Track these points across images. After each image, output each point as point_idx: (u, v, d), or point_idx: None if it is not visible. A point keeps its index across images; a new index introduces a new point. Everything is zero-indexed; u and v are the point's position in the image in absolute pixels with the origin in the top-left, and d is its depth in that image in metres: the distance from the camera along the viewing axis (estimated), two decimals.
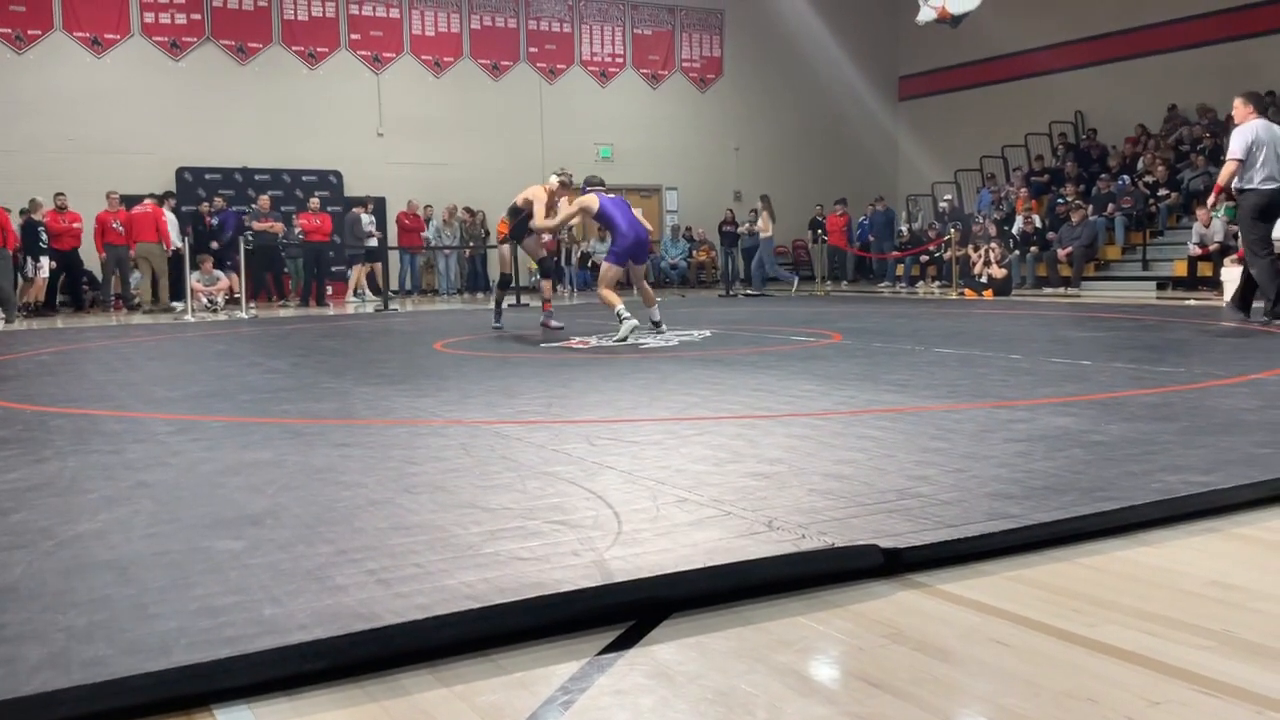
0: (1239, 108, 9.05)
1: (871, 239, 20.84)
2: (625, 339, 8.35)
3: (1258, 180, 8.74)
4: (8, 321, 13.33)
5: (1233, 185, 8.92)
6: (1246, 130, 8.77)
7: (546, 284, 10.51)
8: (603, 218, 9.00)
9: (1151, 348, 7.34)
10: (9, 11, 16.90)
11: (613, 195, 9.18)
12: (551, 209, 9.56)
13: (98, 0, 17.49)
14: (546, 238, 10.20)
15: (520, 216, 9.73)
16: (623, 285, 9.35)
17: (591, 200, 8.99)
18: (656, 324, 9.17)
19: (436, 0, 20.12)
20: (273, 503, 3.17)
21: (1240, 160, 8.70)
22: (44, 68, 17.09)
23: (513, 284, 10.67)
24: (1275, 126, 8.91)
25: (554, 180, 9.69)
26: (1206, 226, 14.78)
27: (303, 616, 2.15)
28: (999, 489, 3.10)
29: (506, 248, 10.22)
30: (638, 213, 9.27)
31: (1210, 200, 9.56)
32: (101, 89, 17.32)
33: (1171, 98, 19.05)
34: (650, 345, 8.22)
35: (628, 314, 8.57)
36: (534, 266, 10.29)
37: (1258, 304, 8.92)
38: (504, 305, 10.69)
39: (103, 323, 13.26)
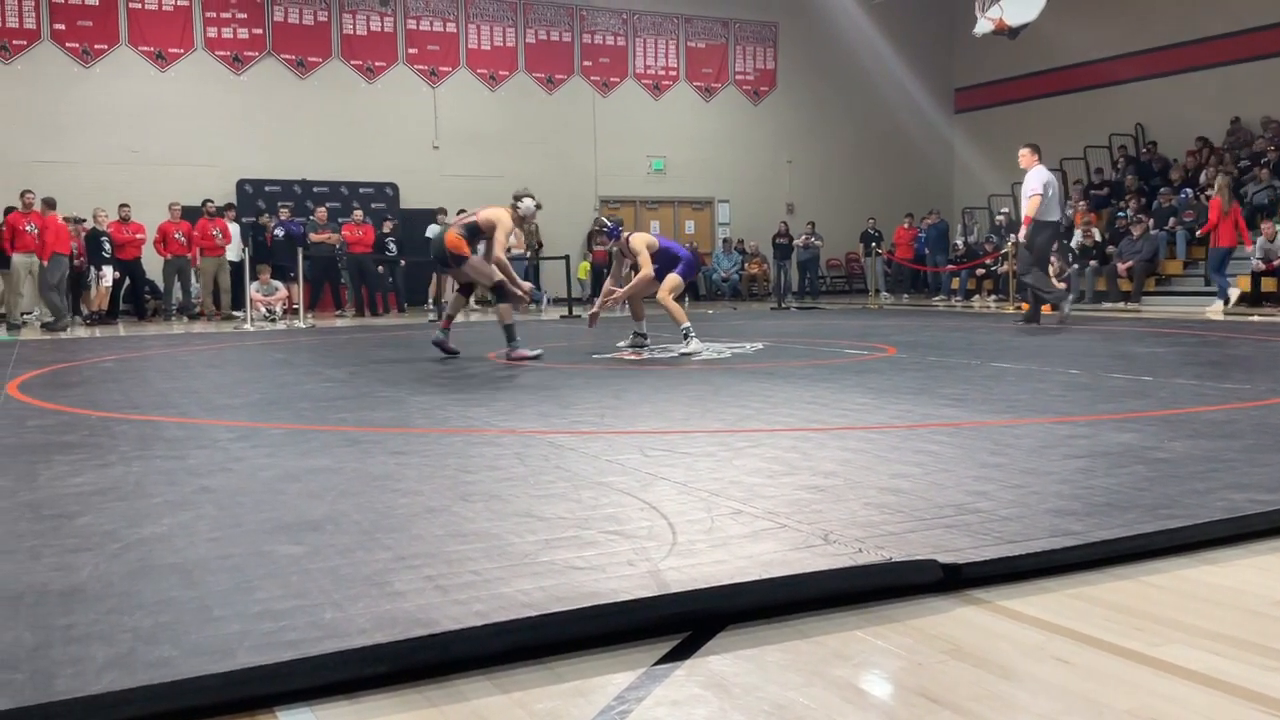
0: (1027, 156, 11.15)
1: (926, 252, 20.67)
2: (694, 354, 8.29)
3: (1052, 215, 11.02)
4: (56, 330, 13.57)
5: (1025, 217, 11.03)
6: (1041, 173, 10.92)
7: (505, 308, 8.34)
8: (665, 253, 8.82)
9: (1215, 364, 7.20)
10: (77, 26, 17.31)
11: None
12: (511, 234, 8.58)
13: (162, 16, 17.87)
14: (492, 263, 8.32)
15: (480, 239, 8.26)
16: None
17: (654, 240, 8.87)
18: (642, 335, 9.05)
19: (492, 15, 20.31)
20: (332, 509, 3.20)
21: (1041, 195, 10.73)
22: (109, 81, 17.47)
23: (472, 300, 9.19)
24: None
25: (529, 205, 8.48)
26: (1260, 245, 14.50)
27: (363, 621, 2.17)
28: (1060, 505, 3.06)
29: (479, 261, 8.26)
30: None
31: (1022, 231, 11.04)
32: (165, 102, 17.67)
33: (1234, 110, 18.72)
34: (704, 357, 8.21)
35: (694, 334, 8.55)
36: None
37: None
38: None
39: (164, 331, 13.51)
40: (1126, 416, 4.76)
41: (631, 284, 8.90)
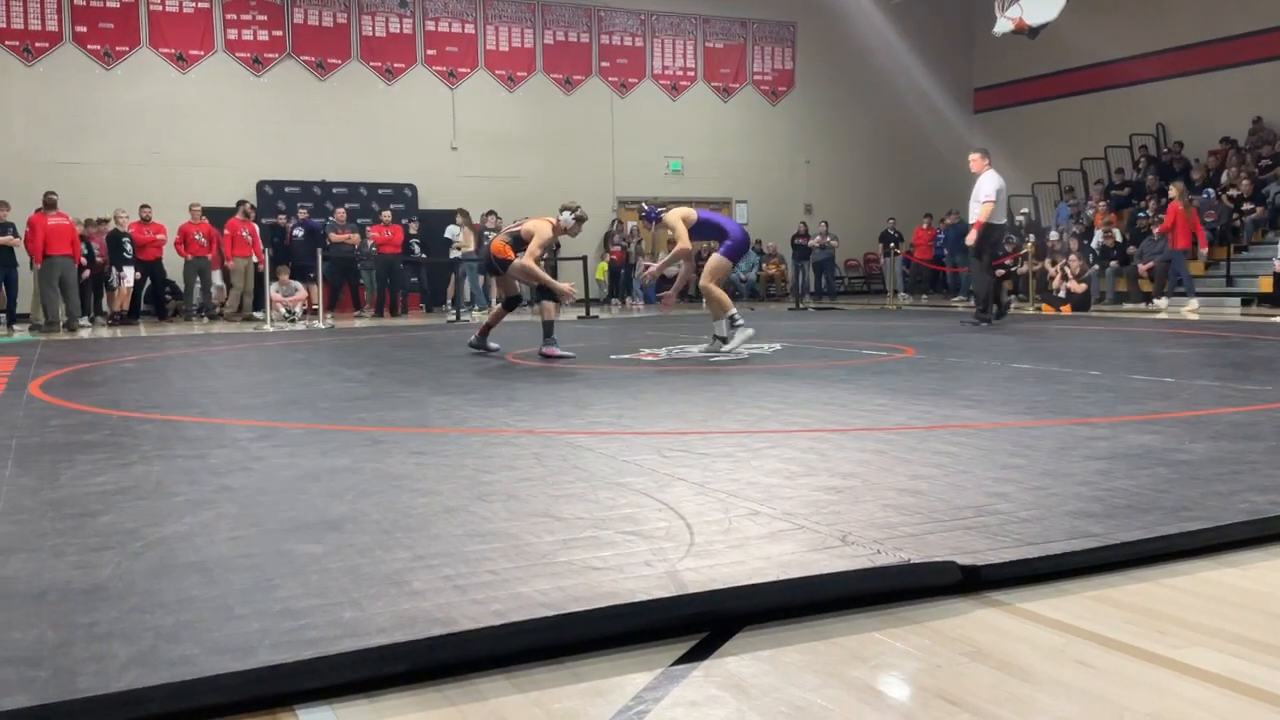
0: (978, 160, 11.53)
1: (945, 253, 20.59)
2: (737, 349, 7.95)
3: (1000, 218, 11.62)
4: (46, 331, 13.62)
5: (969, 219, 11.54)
6: (993, 177, 11.28)
7: (549, 305, 8.77)
8: (706, 225, 8.54)
9: (1237, 365, 7.15)
10: (98, 29, 17.44)
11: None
12: (555, 246, 8.81)
13: (183, 18, 17.98)
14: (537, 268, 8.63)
15: (523, 247, 8.52)
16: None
17: (690, 212, 8.54)
18: (735, 321, 8.55)
19: (510, 16, 20.34)
20: (351, 508, 3.22)
21: (995, 201, 11.25)
22: (131, 83, 17.58)
23: (522, 302, 9.06)
24: None
25: (569, 218, 8.65)
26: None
27: (382, 620, 2.18)
28: (1080, 507, 3.05)
29: (520, 265, 8.52)
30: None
31: (972, 235, 11.35)
32: (186, 104, 17.78)
33: (1257, 109, 18.58)
34: (719, 359, 8.19)
35: (742, 320, 8.12)
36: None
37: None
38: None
39: (184, 331, 13.59)
40: (1148, 418, 4.73)
41: (670, 255, 8.74)
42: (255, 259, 16.11)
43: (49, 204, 14.23)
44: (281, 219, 17.20)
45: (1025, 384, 6.14)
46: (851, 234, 21.72)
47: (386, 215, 17.35)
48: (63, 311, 14.26)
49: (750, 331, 8.18)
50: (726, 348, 8.14)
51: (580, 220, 8.82)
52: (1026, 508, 3.05)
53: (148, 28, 17.74)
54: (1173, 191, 15.98)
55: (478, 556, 2.65)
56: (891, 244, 20.68)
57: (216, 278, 16.73)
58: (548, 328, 8.57)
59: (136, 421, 5.25)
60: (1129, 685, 1.94)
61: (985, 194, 11.24)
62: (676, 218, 8.51)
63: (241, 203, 16.67)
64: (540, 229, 8.53)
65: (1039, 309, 15.76)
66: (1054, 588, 2.48)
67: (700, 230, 8.54)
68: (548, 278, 8.80)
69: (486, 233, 17.79)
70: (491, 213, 18.01)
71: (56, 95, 17.08)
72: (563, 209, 8.80)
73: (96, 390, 6.79)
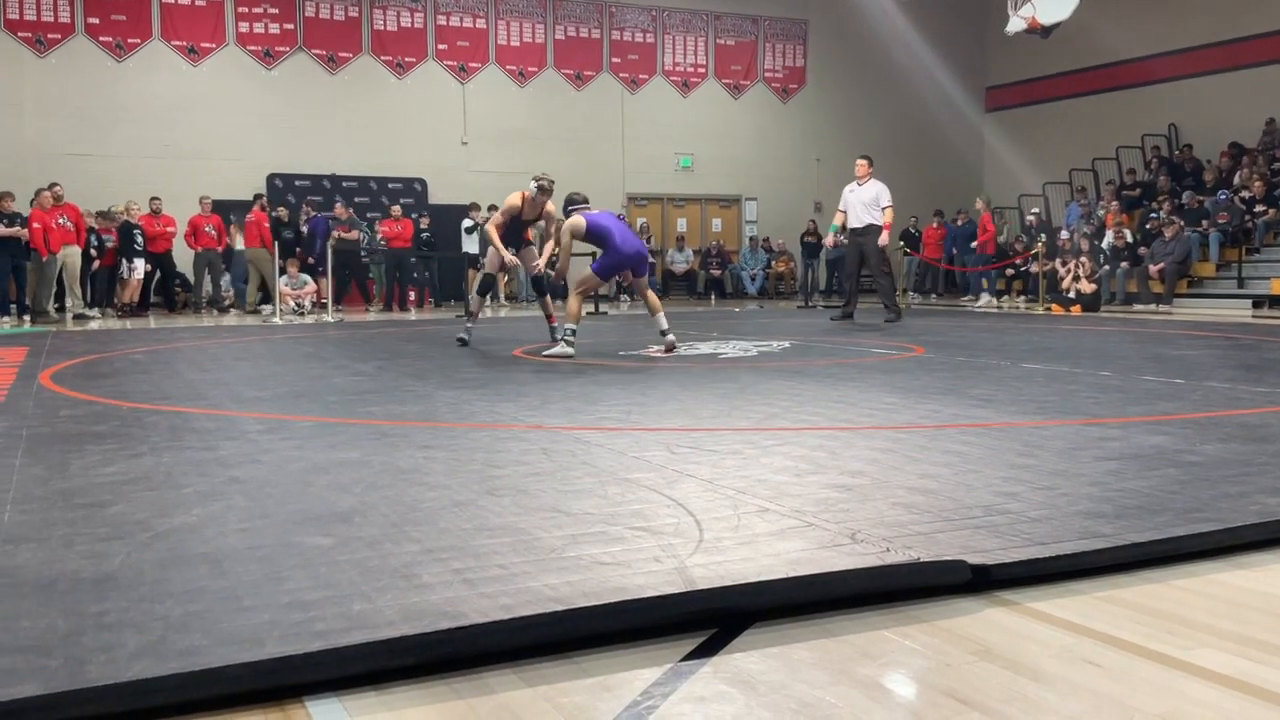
0: (864, 167, 12.25)
1: (954, 252, 20.53)
2: (555, 357, 7.94)
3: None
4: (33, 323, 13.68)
5: (850, 227, 12.25)
6: (881, 184, 12.06)
7: (545, 301, 9.58)
8: (594, 235, 8.32)
9: (1248, 367, 7.12)
10: (110, 21, 17.47)
11: (599, 210, 8.69)
12: (526, 217, 9.08)
13: (194, 10, 18.00)
14: (540, 257, 9.25)
15: (515, 222, 9.07)
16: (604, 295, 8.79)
17: (577, 221, 8.33)
18: (664, 333, 8.48)
19: (522, 11, 20.33)
20: (360, 501, 3.22)
21: (893, 205, 12.12)
22: (142, 75, 17.62)
23: (493, 291, 9.49)
24: None
25: (531, 187, 8.96)
26: None
27: (390, 613, 2.18)
28: (1090, 507, 3.04)
29: (492, 251, 9.20)
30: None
31: (884, 237, 11.98)
32: (197, 96, 17.80)
33: (1270, 111, 18.50)
34: (728, 355, 8.19)
35: (573, 341, 8.13)
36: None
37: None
38: (479, 314, 10.00)
39: (193, 323, 13.62)
40: (1158, 419, 4.72)
41: (548, 253, 9.20)
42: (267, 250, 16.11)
43: (49, 194, 14.34)
44: (282, 211, 16.93)
45: (1035, 384, 6.13)
46: None
47: (396, 210, 17.33)
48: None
49: (570, 353, 8.05)
50: (547, 352, 8.04)
51: (543, 190, 8.99)
52: (1036, 507, 3.05)
53: (159, 20, 17.77)
54: (979, 204, 18.61)
55: (486, 550, 2.66)
56: (903, 243, 20.63)
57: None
58: (468, 314, 9.55)
59: (146, 413, 5.26)
60: (1138, 686, 1.93)
61: (886, 200, 11.99)
62: (566, 227, 8.48)
63: (259, 196, 16.70)
64: (509, 199, 9.07)
65: (1048, 309, 15.72)
66: (1064, 588, 2.48)
67: (590, 237, 8.42)
68: (498, 241, 9.10)
69: (472, 214, 17.82)
70: (493, 206, 18.01)
71: (68, 87, 17.12)
72: (531, 180, 9.10)
73: (106, 381, 6.80)
